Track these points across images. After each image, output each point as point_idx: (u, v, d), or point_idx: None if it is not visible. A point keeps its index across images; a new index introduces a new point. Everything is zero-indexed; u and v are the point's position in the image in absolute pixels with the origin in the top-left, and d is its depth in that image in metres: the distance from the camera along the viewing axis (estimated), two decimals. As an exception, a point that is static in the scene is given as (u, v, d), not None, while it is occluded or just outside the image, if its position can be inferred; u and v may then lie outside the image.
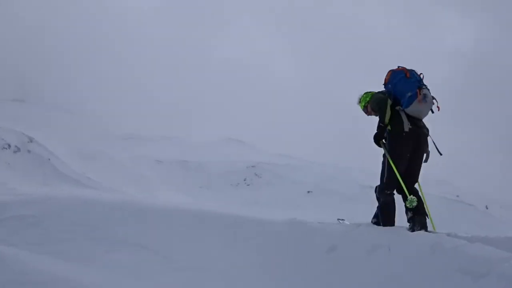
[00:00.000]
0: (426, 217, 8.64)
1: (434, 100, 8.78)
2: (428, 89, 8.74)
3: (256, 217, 9.67)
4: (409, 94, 8.59)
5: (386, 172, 8.71)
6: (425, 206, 8.87)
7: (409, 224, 8.54)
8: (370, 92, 9.47)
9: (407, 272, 6.72)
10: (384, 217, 8.77)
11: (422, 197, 8.91)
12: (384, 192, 8.73)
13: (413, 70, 8.88)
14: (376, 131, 9.01)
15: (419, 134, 8.75)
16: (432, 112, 8.89)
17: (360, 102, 9.58)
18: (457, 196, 70.25)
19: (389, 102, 8.74)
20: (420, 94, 8.55)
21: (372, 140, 9.12)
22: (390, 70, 9.00)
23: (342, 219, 10.34)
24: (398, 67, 8.98)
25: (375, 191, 8.95)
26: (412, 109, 8.64)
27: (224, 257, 8.14)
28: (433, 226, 8.96)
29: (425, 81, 8.88)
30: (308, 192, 71.53)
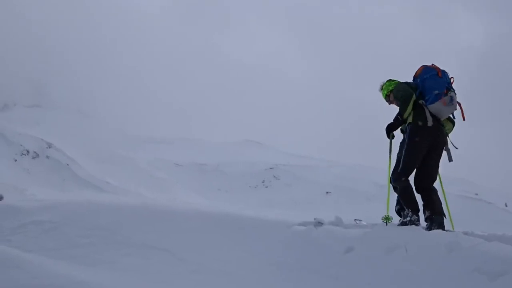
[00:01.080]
0: (444, 217, 8.64)
1: (458, 106, 8.80)
2: (456, 94, 8.73)
3: (273, 219, 9.69)
4: (436, 92, 8.61)
5: (402, 162, 8.73)
6: (445, 205, 8.93)
7: (426, 223, 8.57)
8: (393, 80, 9.47)
9: (423, 272, 6.71)
10: (405, 201, 8.74)
11: (443, 196, 8.96)
12: (400, 180, 8.72)
13: (446, 72, 8.88)
14: (391, 122, 9.04)
15: (440, 132, 8.78)
16: (453, 117, 8.97)
17: (382, 89, 9.61)
18: (476, 194, 70.09)
19: (414, 97, 8.72)
20: (447, 95, 8.57)
21: (385, 130, 9.15)
22: (423, 65, 9.00)
23: (360, 220, 10.35)
24: (432, 64, 8.95)
25: (391, 182, 8.94)
26: (435, 107, 8.64)
27: (240, 260, 8.15)
28: (452, 225, 8.97)
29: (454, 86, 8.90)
30: (327, 193, 71.65)
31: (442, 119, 8.84)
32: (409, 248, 7.22)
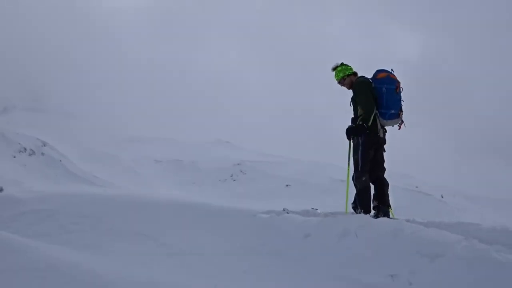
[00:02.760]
0: (390, 207, 8.84)
1: (402, 121, 8.90)
2: (403, 110, 8.87)
3: (241, 208, 9.71)
4: (393, 111, 8.76)
5: (360, 162, 8.81)
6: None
7: (373, 211, 8.70)
8: (346, 65, 9.36)
9: (372, 254, 6.76)
10: (361, 201, 8.84)
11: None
12: (361, 179, 8.81)
13: (399, 83, 8.89)
14: (350, 125, 9.06)
15: (384, 136, 8.98)
16: (393, 126, 9.04)
17: (336, 71, 9.43)
18: (416, 187, 70.45)
19: (374, 112, 8.79)
20: (400, 116, 8.80)
21: (345, 132, 9.14)
22: (385, 72, 8.96)
23: (316, 208, 10.38)
24: (391, 70, 8.95)
25: (352, 179, 8.99)
26: (387, 122, 8.85)
27: (214, 243, 8.15)
28: (392, 214, 9.02)
29: None
30: (287, 185, 71.69)
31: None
32: (359, 233, 7.27)
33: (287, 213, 9.31)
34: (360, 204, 8.83)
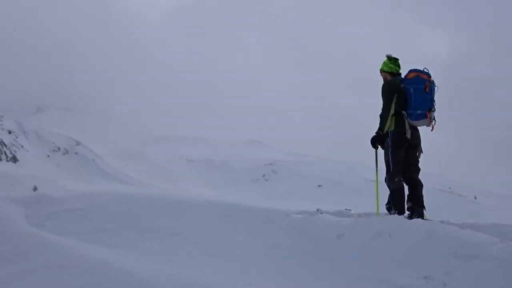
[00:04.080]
0: (424, 209, 8.69)
1: (434, 120, 8.75)
2: (435, 109, 8.73)
3: (273, 208, 9.68)
4: (419, 112, 8.60)
5: (391, 163, 8.74)
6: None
7: (408, 213, 8.59)
8: (393, 64, 9.26)
9: (406, 255, 6.72)
10: (394, 201, 8.76)
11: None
12: (394, 180, 8.72)
13: (433, 82, 8.75)
14: (374, 135, 8.98)
15: (416, 137, 8.85)
16: (427, 126, 8.87)
17: (385, 60, 9.36)
18: (449, 188, 70.06)
19: (392, 113, 8.73)
20: (428, 116, 8.59)
21: (370, 142, 9.10)
22: (415, 72, 8.80)
23: (349, 209, 10.34)
24: (424, 69, 8.79)
25: (385, 181, 8.93)
26: (415, 123, 8.71)
27: (247, 243, 8.16)
28: (425, 215, 8.98)
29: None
30: (319, 185, 71.65)
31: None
32: (392, 234, 7.23)
33: (321, 213, 9.30)
34: (394, 205, 8.74)
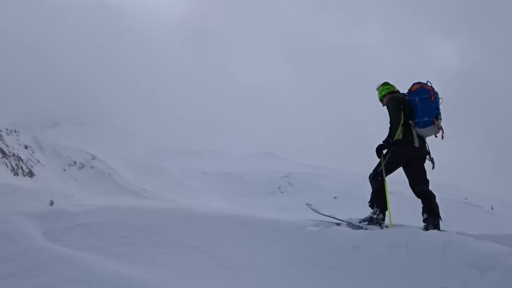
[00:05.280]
0: (440, 219, 8.69)
1: (441, 129, 8.88)
2: (441, 118, 8.84)
3: (289, 221, 9.69)
4: (426, 119, 8.68)
5: (384, 166, 8.92)
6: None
7: (424, 224, 8.65)
8: (388, 85, 9.48)
9: (422, 267, 6.71)
10: (376, 199, 9.02)
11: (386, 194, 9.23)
12: (377, 179, 8.97)
13: (437, 93, 8.87)
14: (381, 143, 9.10)
15: (423, 147, 8.93)
16: (436, 136, 9.03)
17: (378, 90, 9.59)
18: (466, 198, 69.96)
19: (402, 121, 8.80)
20: (435, 123, 8.69)
21: (375, 151, 9.21)
22: (419, 84, 8.96)
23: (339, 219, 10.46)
24: (427, 82, 8.94)
25: (369, 177, 9.15)
26: (422, 132, 8.78)
27: (263, 256, 8.17)
28: (390, 222, 9.10)
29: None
30: (335, 197, 71.78)
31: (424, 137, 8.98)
32: (409, 246, 7.22)
33: (338, 225, 9.33)
34: (376, 202, 9.00)
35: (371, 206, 9.22)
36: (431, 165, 9.08)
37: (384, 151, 9.17)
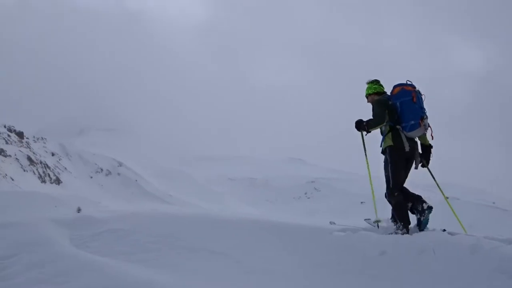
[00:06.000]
0: (424, 201, 8.92)
1: (429, 128, 9.06)
2: (427, 116, 8.97)
3: (316, 226, 9.67)
4: (412, 122, 8.84)
5: (391, 179, 9.00)
6: (451, 209, 9.91)
7: (415, 213, 9.02)
8: (376, 85, 9.62)
9: (450, 271, 6.66)
10: (398, 214, 8.91)
11: (448, 203, 9.75)
12: (394, 195, 8.94)
13: (419, 92, 9.01)
14: (360, 119, 9.32)
15: (414, 150, 9.10)
16: (423, 135, 9.23)
17: (367, 85, 9.76)
18: (493, 202, 69.25)
19: (383, 124, 9.04)
20: (422, 124, 8.83)
21: (354, 124, 9.43)
22: (400, 86, 9.08)
23: (333, 222, 10.46)
24: (407, 81, 9.08)
25: (385, 196, 9.17)
26: (411, 135, 8.95)
27: (290, 262, 8.14)
28: (463, 229, 9.02)
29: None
30: (362, 202, 71.41)
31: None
32: (436, 250, 7.17)
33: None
34: (399, 218, 8.91)
35: (394, 221, 9.14)
36: (416, 164, 9.26)
37: (363, 133, 9.51)
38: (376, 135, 9.34)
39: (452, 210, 9.78)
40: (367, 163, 9.60)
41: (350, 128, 9.18)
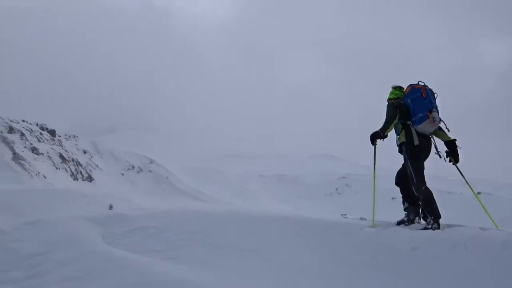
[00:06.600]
0: (420, 207, 9.31)
1: (442, 122, 9.21)
2: (438, 111, 9.12)
3: (347, 222, 9.66)
4: (420, 115, 9.02)
5: (413, 174, 9.06)
6: (481, 205, 9.65)
7: (405, 212, 9.49)
8: (397, 91, 9.81)
9: (482, 268, 6.61)
10: (428, 208, 8.92)
11: (476, 197, 9.66)
12: (421, 189, 8.98)
13: (429, 90, 9.23)
14: (375, 131, 9.37)
15: (427, 146, 9.25)
16: (441, 130, 9.38)
17: (391, 90, 9.96)
18: (527, 197, 68.38)
19: (395, 121, 9.26)
20: (430, 117, 8.95)
21: (369, 138, 9.50)
22: (411, 85, 9.36)
23: (345, 214, 10.57)
24: (419, 82, 9.30)
25: (415, 192, 9.22)
26: (420, 128, 9.10)
27: (320, 258, 8.12)
28: (495, 225, 8.99)
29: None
30: (393, 198, 71.01)
31: (427, 134, 9.28)
32: (468, 246, 7.12)
33: (397, 225, 9.30)
34: (429, 212, 8.90)
35: (424, 217, 9.19)
36: (441, 157, 9.41)
37: (378, 141, 9.53)
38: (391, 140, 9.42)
39: (482, 205, 9.71)
40: (374, 175, 9.87)
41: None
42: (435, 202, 8.92)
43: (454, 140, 9.39)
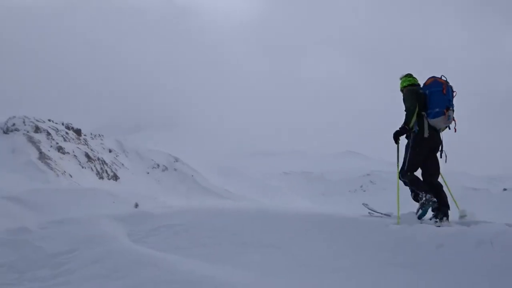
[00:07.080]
0: (449, 208, 9.25)
1: (454, 121, 9.32)
2: (453, 110, 9.23)
3: (371, 219, 9.64)
4: (437, 109, 9.12)
5: (407, 162, 9.38)
6: (451, 196, 9.71)
7: (433, 213, 9.27)
8: (410, 77, 9.86)
9: (508, 264, 6.57)
10: (417, 187, 9.34)
11: (448, 189, 9.67)
12: (406, 175, 9.36)
13: (450, 87, 9.30)
14: (398, 130, 9.48)
15: (436, 139, 9.36)
16: (449, 128, 9.49)
17: (401, 80, 9.99)
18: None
19: (416, 110, 9.25)
20: (446, 114, 9.09)
21: (392, 136, 9.60)
22: (434, 77, 9.37)
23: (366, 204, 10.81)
24: (442, 76, 9.33)
25: (400, 177, 9.60)
26: (434, 122, 9.22)
27: (344, 255, 8.12)
28: (457, 206, 9.67)
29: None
30: (418, 195, 70.80)
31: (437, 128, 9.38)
32: (494, 242, 7.08)
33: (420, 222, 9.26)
34: (418, 188, 9.29)
35: (415, 197, 9.55)
36: (444, 157, 9.56)
37: (401, 138, 9.60)
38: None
39: (451, 194, 9.78)
40: (398, 173, 9.70)
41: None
42: (421, 181, 9.36)
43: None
